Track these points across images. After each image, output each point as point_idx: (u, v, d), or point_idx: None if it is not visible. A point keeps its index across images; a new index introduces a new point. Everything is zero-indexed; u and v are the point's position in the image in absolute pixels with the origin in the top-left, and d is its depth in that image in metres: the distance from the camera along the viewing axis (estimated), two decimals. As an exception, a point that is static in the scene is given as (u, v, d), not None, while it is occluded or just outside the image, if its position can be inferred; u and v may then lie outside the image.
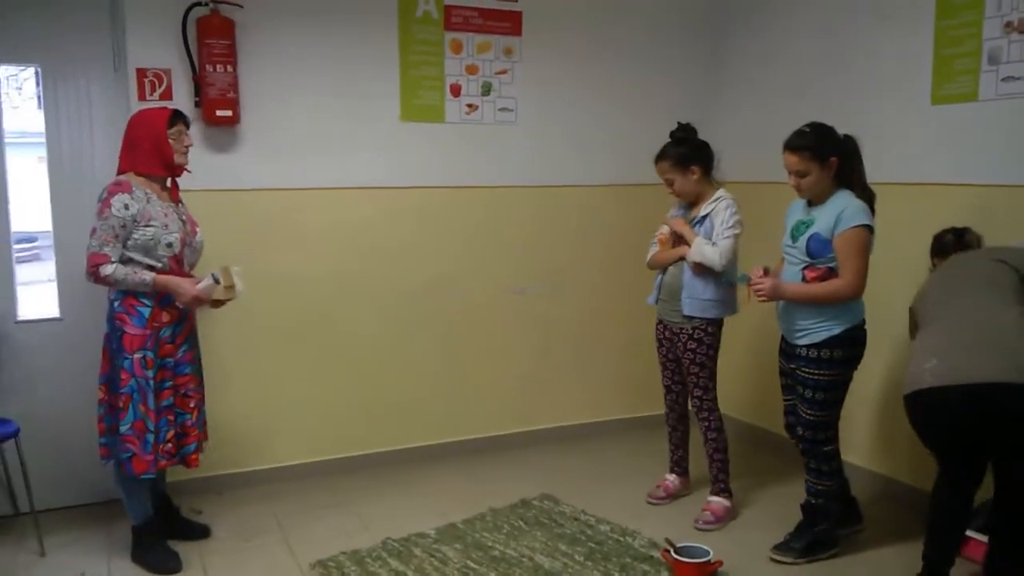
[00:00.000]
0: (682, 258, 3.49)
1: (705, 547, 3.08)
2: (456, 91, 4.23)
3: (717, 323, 3.52)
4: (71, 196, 3.65)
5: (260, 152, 3.87)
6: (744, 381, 4.76)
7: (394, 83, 4.10)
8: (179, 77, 3.69)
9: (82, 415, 3.59)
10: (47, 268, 3.79)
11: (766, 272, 3.14)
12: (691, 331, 3.50)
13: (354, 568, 3.17)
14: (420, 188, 4.21)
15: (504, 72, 4.33)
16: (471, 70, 4.25)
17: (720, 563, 3.09)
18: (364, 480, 4.06)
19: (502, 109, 4.35)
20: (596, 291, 4.63)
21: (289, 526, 3.56)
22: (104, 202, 3.02)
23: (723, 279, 3.46)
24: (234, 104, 3.71)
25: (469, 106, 4.27)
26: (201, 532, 3.48)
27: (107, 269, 3.00)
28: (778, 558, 3.25)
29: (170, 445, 3.18)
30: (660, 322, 3.68)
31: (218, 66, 3.65)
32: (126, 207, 3.01)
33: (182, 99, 3.68)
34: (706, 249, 3.39)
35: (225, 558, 3.30)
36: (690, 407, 3.70)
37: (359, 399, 4.20)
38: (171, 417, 3.19)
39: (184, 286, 3.08)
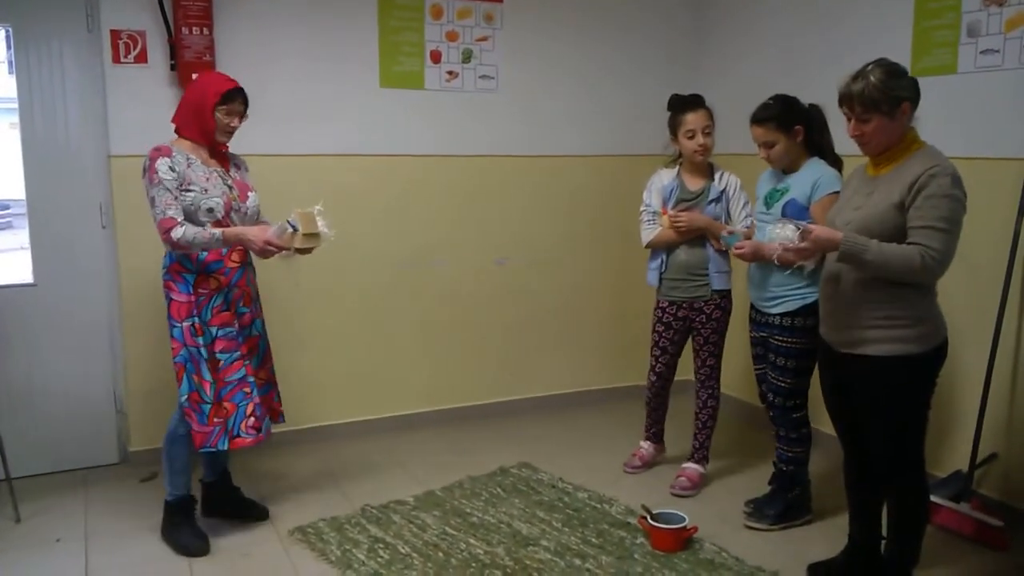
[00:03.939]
0: (702, 236, 3.50)
1: (681, 514, 3.14)
2: (436, 57, 4.18)
3: None
4: (44, 162, 3.58)
5: (237, 117, 3.82)
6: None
7: (373, 48, 4.05)
8: (154, 39, 3.63)
9: (57, 381, 3.57)
10: (20, 236, 3.73)
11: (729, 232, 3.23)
12: (719, 300, 3.58)
13: (333, 535, 3.19)
14: (400, 156, 4.18)
15: (485, 39, 4.28)
16: (451, 36, 4.21)
17: (695, 529, 3.13)
18: (343, 447, 4.07)
19: (483, 77, 4.31)
20: (577, 262, 4.63)
21: (267, 493, 3.56)
22: (150, 169, 2.91)
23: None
24: (210, 67, 3.65)
25: (449, 73, 4.23)
26: (261, 513, 3.35)
27: (177, 232, 2.86)
28: (752, 524, 3.30)
29: (253, 419, 3.05)
30: (671, 303, 3.63)
31: (194, 28, 3.59)
32: (171, 168, 2.91)
33: (158, 62, 3.62)
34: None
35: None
36: (695, 376, 3.69)
37: (338, 367, 4.19)
38: (247, 389, 3.05)
39: (253, 232, 2.94)
